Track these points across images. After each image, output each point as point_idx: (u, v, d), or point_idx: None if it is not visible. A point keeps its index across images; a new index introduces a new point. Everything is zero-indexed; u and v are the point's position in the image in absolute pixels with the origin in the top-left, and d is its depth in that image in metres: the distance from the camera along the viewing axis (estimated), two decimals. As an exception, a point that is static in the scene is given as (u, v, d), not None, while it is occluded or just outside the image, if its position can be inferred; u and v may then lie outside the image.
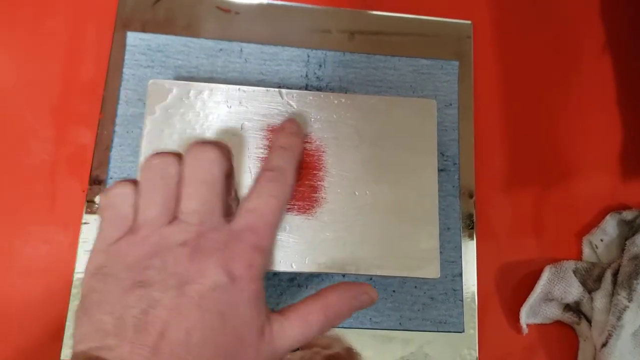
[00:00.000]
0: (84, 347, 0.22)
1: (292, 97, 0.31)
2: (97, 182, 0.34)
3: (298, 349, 0.32)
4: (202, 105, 0.31)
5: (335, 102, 0.32)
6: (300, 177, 0.30)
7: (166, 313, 0.22)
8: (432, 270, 0.30)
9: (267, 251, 0.25)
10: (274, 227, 0.26)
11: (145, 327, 0.22)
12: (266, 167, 0.27)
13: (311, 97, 0.31)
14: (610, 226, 0.36)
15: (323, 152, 0.31)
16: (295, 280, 0.34)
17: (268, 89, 0.31)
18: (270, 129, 0.31)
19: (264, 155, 0.30)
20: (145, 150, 0.30)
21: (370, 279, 0.34)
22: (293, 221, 0.29)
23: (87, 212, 0.33)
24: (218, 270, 0.23)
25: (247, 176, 0.30)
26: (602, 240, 0.36)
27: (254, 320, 0.24)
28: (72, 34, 0.36)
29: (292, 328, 0.24)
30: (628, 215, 0.36)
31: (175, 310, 0.22)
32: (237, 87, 0.31)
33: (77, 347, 0.23)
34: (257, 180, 0.27)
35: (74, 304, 0.32)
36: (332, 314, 0.25)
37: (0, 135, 0.35)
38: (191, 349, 0.22)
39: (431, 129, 0.32)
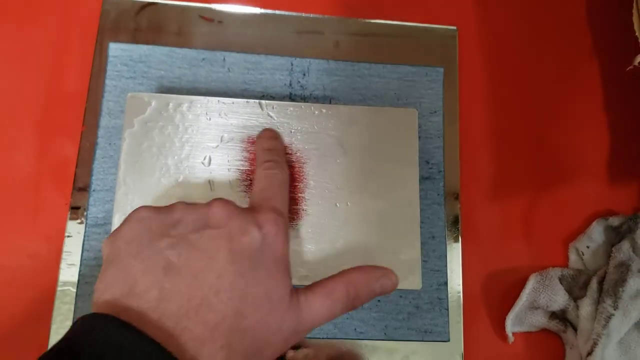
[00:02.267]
0: (108, 296, 0.21)
1: (272, 108, 0.31)
2: (80, 191, 0.34)
3: (300, 347, 0.32)
4: (181, 118, 0.31)
5: (316, 112, 0.31)
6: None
7: (197, 255, 0.22)
8: (413, 282, 0.30)
9: (285, 217, 0.26)
10: (285, 198, 0.27)
11: (177, 270, 0.22)
12: (260, 162, 0.28)
13: (292, 108, 0.31)
14: (596, 232, 0.36)
15: (304, 163, 0.31)
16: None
17: (248, 100, 0.31)
18: (250, 140, 0.31)
19: (243, 167, 0.30)
20: (125, 164, 0.30)
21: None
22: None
23: (71, 219, 0.33)
24: (248, 221, 0.24)
25: (226, 188, 0.30)
26: (588, 247, 0.36)
27: (282, 280, 0.24)
28: (54, 45, 0.36)
29: (318, 301, 0.24)
30: (614, 221, 0.36)
31: (207, 253, 0.22)
32: (217, 99, 0.31)
33: (101, 297, 0.22)
34: (257, 172, 0.28)
35: (57, 318, 0.32)
36: (354, 292, 0.25)
37: (-17, 148, 0.35)
38: (221, 295, 0.22)
39: (412, 139, 0.32)
